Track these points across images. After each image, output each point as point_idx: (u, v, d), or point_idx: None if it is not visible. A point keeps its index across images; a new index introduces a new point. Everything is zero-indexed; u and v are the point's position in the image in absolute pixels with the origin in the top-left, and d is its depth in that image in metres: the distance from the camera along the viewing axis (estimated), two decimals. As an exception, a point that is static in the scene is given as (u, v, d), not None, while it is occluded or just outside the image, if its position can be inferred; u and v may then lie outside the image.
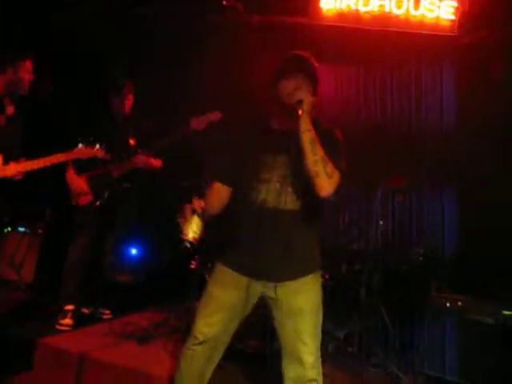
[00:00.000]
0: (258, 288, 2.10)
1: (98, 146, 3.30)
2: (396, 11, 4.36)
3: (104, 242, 3.76)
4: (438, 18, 4.27)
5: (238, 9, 4.61)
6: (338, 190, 1.99)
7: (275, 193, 2.07)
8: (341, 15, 4.48)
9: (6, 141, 3.14)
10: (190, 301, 3.35)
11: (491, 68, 3.98)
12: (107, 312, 3.79)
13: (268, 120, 2.24)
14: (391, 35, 4.36)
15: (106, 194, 3.62)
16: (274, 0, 4.65)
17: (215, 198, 2.24)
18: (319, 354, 2.11)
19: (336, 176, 1.98)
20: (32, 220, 4.78)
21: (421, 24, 4.32)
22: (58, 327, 3.39)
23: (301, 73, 2.10)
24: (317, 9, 4.51)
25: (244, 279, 2.09)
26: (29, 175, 3.17)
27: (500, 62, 3.97)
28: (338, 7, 4.47)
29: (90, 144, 3.28)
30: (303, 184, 2.02)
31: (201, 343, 2.09)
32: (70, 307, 3.49)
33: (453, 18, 4.23)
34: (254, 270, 2.08)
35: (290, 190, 2.07)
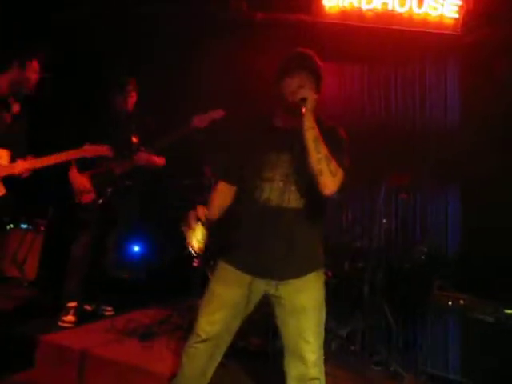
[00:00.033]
0: (261, 286, 2.10)
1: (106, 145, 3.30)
2: (399, 9, 4.33)
3: (106, 239, 3.77)
4: (441, 16, 4.25)
5: (241, 7, 4.60)
6: (342, 188, 1.98)
7: (278, 191, 2.06)
8: (344, 13, 4.46)
9: (12, 138, 3.12)
10: (193, 298, 3.36)
11: (495, 66, 3.96)
12: (109, 309, 3.80)
13: (271, 118, 2.23)
14: (394, 33, 4.34)
15: (109, 192, 3.62)
16: (276, -2, 4.65)
17: (220, 199, 2.24)
18: (322, 352, 2.10)
19: (339, 174, 1.97)
20: (34, 217, 4.79)
21: (424, 22, 4.29)
22: (60, 324, 3.41)
23: (304, 71, 2.09)
24: (319, 6, 4.49)
25: (247, 277, 2.08)
26: (31, 173, 3.16)
27: (504, 60, 3.96)
28: (340, 5, 4.45)
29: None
30: (307, 182, 2.01)
31: (203, 341, 2.09)
32: (72, 304, 3.49)
33: (456, 16, 4.21)
34: (257, 268, 2.07)
35: (293, 188, 2.06)
